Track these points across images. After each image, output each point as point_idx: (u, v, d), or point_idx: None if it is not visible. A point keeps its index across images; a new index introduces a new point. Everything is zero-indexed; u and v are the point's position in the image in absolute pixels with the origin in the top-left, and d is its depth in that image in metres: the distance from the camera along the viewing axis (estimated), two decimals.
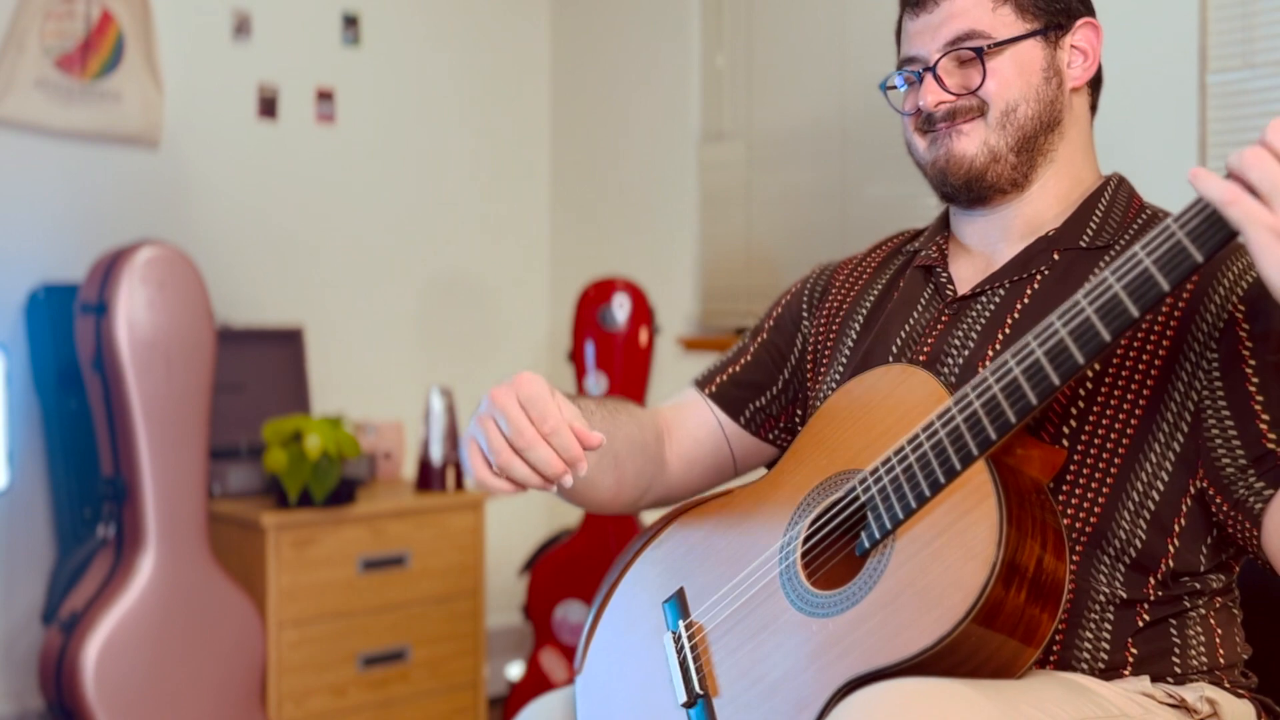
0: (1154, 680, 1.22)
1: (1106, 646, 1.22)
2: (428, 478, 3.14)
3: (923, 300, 1.42)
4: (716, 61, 3.45)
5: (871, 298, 1.50)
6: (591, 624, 1.48)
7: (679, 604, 1.36)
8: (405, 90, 3.65)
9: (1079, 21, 1.37)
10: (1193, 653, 1.24)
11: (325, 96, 3.47)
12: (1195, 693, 1.21)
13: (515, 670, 3.34)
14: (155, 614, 2.62)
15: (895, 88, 1.44)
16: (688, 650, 1.31)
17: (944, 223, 1.50)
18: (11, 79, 2.89)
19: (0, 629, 2.91)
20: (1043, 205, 1.36)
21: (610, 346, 3.17)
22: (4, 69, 2.88)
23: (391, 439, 3.36)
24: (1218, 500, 1.21)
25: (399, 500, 3.06)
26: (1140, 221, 1.34)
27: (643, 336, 3.18)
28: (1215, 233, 1.05)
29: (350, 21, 3.52)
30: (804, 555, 1.26)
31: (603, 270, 3.56)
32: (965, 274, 1.41)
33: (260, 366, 3.20)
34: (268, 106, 3.36)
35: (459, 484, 3.17)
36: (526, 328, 3.95)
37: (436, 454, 3.15)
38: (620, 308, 3.16)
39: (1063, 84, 1.36)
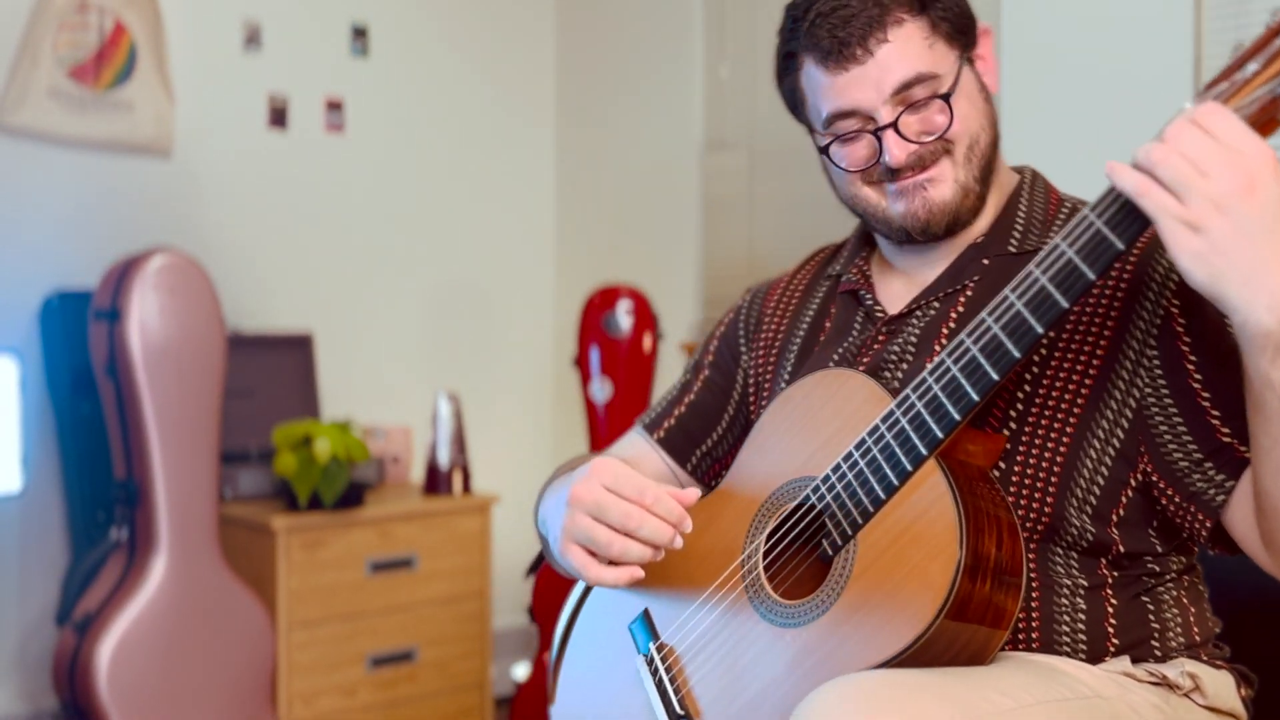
0: (1136, 662, 1.23)
1: (1084, 632, 1.23)
2: (435, 481, 3.18)
3: (856, 326, 1.40)
4: (719, 72, 3.49)
5: (804, 325, 1.48)
6: (558, 653, 1.46)
7: (646, 625, 1.34)
8: (413, 100, 3.68)
9: (980, 29, 1.34)
10: (1170, 634, 1.26)
11: (334, 106, 3.51)
12: (1176, 669, 1.23)
13: (521, 671, 3.36)
14: (167, 615, 2.64)
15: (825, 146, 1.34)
16: (663, 673, 1.30)
17: (862, 241, 1.47)
18: (26, 89, 2.92)
19: (15, 630, 2.94)
20: (979, 225, 1.35)
21: (615, 352, 3.19)
22: (18, 79, 2.92)
23: (399, 443, 3.39)
24: (1169, 493, 1.21)
25: (407, 503, 3.09)
26: (1062, 217, 1.33)
27: (646, 342, 3.20)
28: (1132, 221, 1.06)
29: (359, 33, 3.56)
30: (766, 567, 1.25)
31: (607, 277, 3.59)
32: (894, 293, 1.39)
33: (270, 372, 3.23)
34: (278, 116, 3.40)
35: (466, 487, 3.21)
36: (532, 334, 3.98)
37: (444, 458, 3.18)
38: (624, 314, 3.19)
39: (990, 98, 1.34)
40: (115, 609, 2.61)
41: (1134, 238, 1.06)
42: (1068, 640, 1.23)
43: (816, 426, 1.29)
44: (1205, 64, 2.40)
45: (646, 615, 1.36)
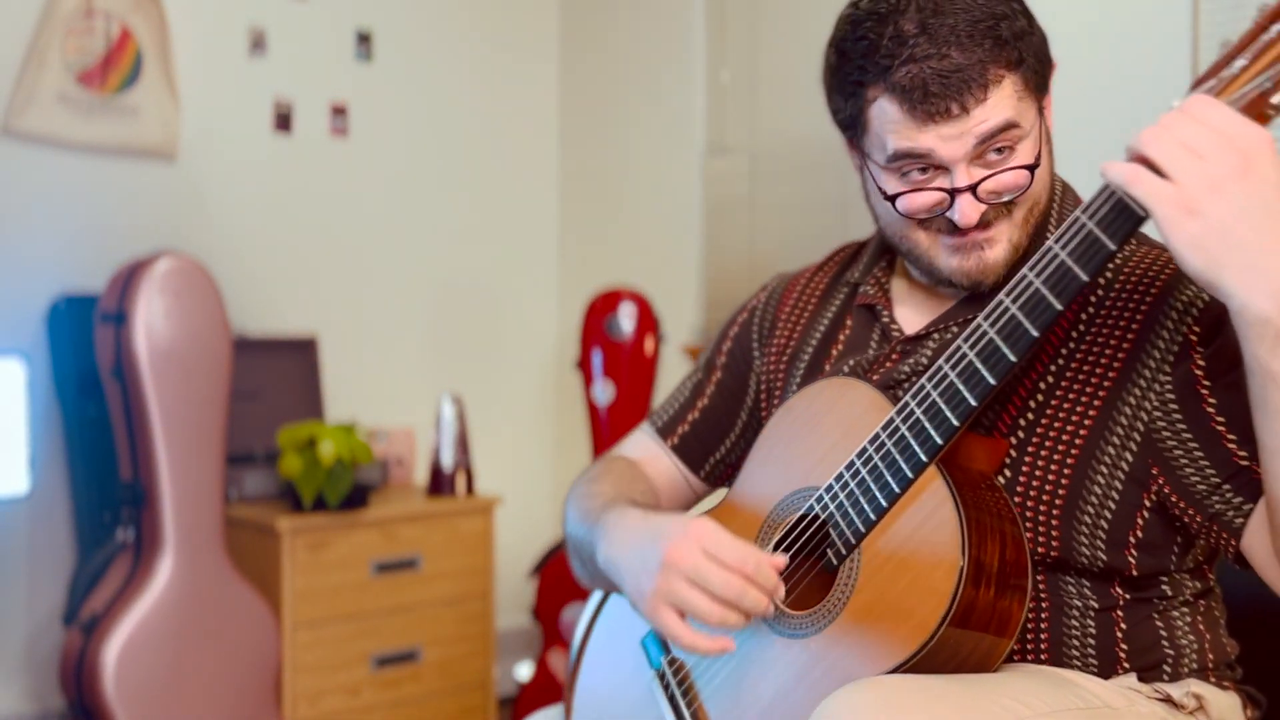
0: (1144, 681, 1.22)
1: (1094, 653, 1.22)
2: (439, 483, 3.19)
3: (873, 343, 1.37)
4: (721, 77, 3.50)
5: (817, 335, 1.45)
6: (573, 670, 1.46)
7: (658, 640, 1.34)
8: (417, 105, 3.70)
9: (1053, 71, 1.27)
10: (1185, 659, 1.25)
11: (339, 111, 3.53)
12: (1182, 689, 1.21)
13: (524, 670, 3.38)
14: (173, 616, 2.65)
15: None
16: (675, 687, 1.30)
17: (882, 250, 1.43)
18: (33, 94, 2.94)
19: (22, 630, 2.96)
20: None
21: (617, 355, 3.21)
22: (26, 84, 2.94)
23: (403, 445, 3.41)
24: (1190, 513, 1.18)
25: (411, 505, 3.11)
26: None
27: (648, 345, 3.22)
28: (1124, 220, 1.04)
29: (363, 38, 3.58)
30: None
31: (609, 280, 3.60)
32: (912, 311, 1.36)
33: (275, 374, 3.24)
34: (283, 120, 3.41)
35: (469, 489, 3.22)
36: (535, 336, 4.00)
37: (447, 460, 3.20)
38: (626, 317, 3.20)
39: (1052, 147, 1.28)
40: (121, 609, 2.62)
41: (1125, 237, 1.05)
42: (1078, 660, 1.22)
43: (819, 436, 1.28)
44: (1202, 65, 2.42)
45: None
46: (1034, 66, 1.22)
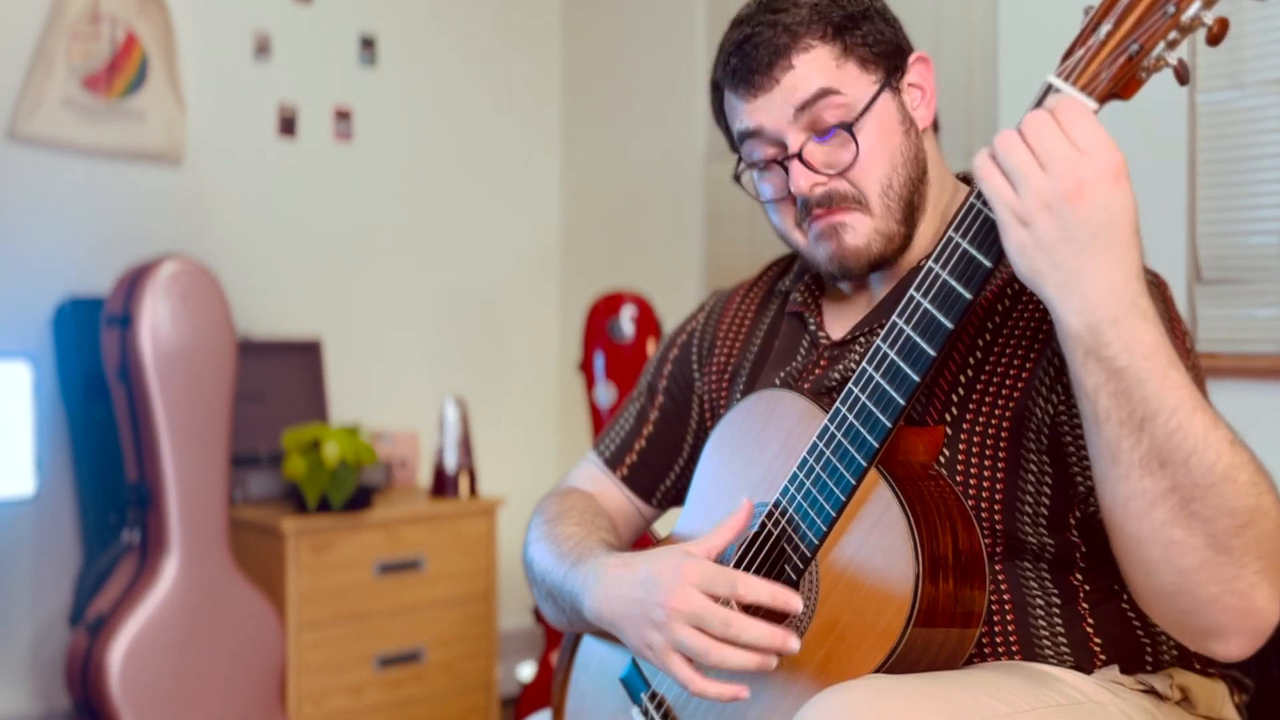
0: (1126, 672, 1.22)
1: (1067, 649, 1.21)
2: (442, 484, 3.21)
3: (801, 350, 1.39)
4: None
5: (754, 349, 1.47)
6: (554, 716, 1.47)
7: (638, 674, 1.34)
8: (420, 109, 3.72)
9: (911, 58, 1.32)
10: (1164, 647, 1.24)
11: (343, 116, 3.55)
12: (1165, 680, 1.21)
13: (527, 671, 3.40)
14: (178, 616, 2.67)
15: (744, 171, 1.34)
16: None
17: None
18: (39, 98, 2.96)
19: (28, 630, 2.97)
20: (920, 247, 1.33)
21: (619, 357, 3.22)
22: (32, 88, 2.95)
23: (407, 447, 3.42)
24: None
25: (414, 506, 3.12)
26: None
27: (650, 347, 3.23)
28: (995, 238, 1.04)
29: (367, 43, 3.60)
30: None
31: (611, 283, 3.62)
32: (839, 316, 1.39)
33: (280, 377, 3.26)
34: (287, 125, 3.43)
35: (472, 490, 3.24)
36: (538, 339, 4.01)
37: (450, 461, 3.21)
38: (628, 319, 3.21)
39: (917, 131, 1.31)
40: (127, 610, 2.63)
41: (1001, 255, 1.05)
42: (1052, 658, 1.22)
43: (759, 450, 1.28)
44: (1200, 60, 2.43)
45: (635, 665, 1.35)
46: (862, 42, 1.28)
